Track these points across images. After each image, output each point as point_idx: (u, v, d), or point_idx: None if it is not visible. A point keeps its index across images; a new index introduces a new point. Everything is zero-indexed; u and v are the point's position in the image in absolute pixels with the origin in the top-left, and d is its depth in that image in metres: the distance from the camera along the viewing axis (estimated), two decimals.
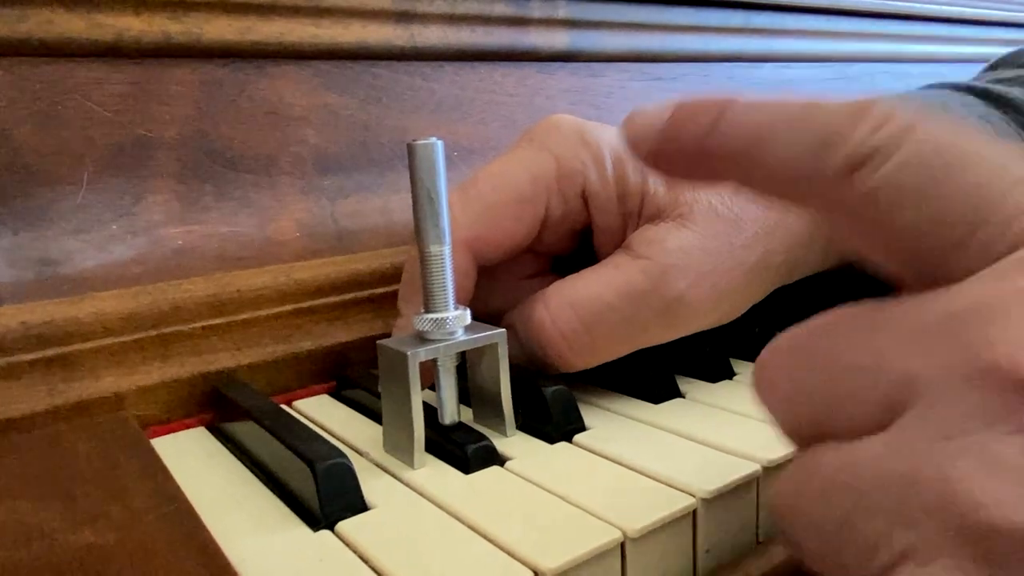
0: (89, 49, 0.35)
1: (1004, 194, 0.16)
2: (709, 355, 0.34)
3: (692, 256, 0.29)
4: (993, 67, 0.47)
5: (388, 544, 0.22)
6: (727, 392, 0.33)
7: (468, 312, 0.28)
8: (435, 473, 0.26)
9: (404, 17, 0.44)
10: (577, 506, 0.23)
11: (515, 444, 0.28)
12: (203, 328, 0.34)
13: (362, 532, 0.23)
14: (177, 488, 0.24)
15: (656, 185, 0.31)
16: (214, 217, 0.37)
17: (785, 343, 0.19)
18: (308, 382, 0.36)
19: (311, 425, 0.31)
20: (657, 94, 0.58)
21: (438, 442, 0.28)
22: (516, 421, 0.29)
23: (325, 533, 0.23)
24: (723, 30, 0.62)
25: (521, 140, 0.34)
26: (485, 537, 0.22)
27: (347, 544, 0.22)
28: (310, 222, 0.40)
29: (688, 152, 0.20)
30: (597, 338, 0.30)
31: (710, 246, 0.30)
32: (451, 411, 0.28)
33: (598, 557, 0.21)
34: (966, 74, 0.49)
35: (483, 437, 0.27)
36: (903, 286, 0.18)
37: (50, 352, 0.31)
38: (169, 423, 0.33)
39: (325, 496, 0.23)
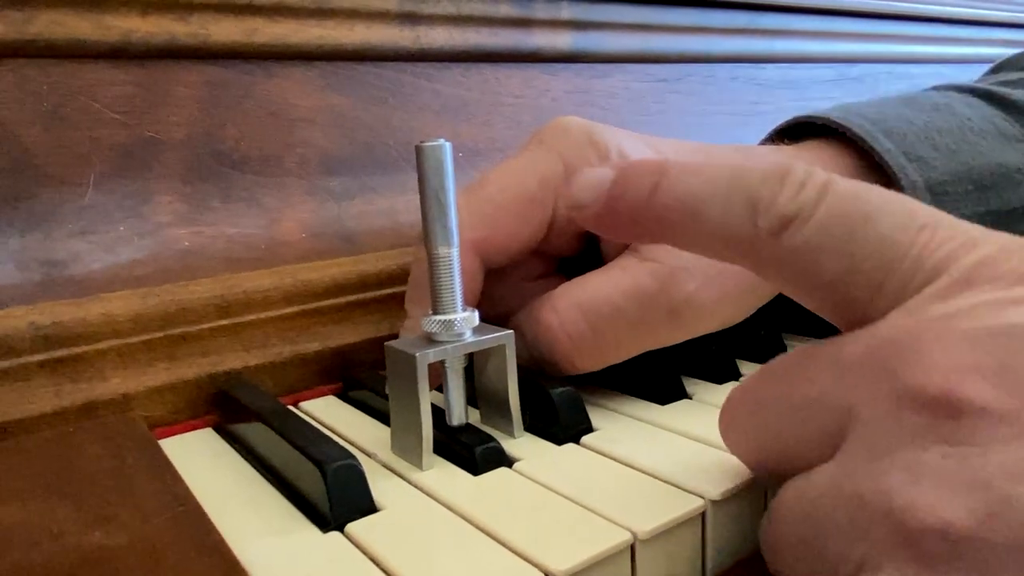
0: (96, 50, 0.35)
1: (911, 241, 0.18)
2: (715, 356, 0.34)
3: (700, 260, 0.29)
4: (996, 70, 0.48)
5: (399, 546, 0.22)
6: None
7: (476, 313, 0.28)
8: (443, 475, 0.26)
9: (409, 18, 0.44)
10: (586, 507, 0.23)
11: (523, 445, 0.28)
12: (210, 329, 0.34)
13: (372, 534, 0.23)
14: (186, 489, 0.24)
15: None
16: (220, 218, 0.38)
17: (742, 389, 0.22)
18: (314, 383, 0.36)
19: (318, 426, 0.31)
20: (661, 95, 0.58)
21: (446, 443, 0.28)
22: (523, 422, 0.29)
23: (335, 534, 0.23)
24: (727, 31, 0.62)
25: (530, 142, 0.34)
26: (495, 539, 0.22)
27: (357, 546, 0.22)
28: (316, 223, 0.40)
29: (629, 219, 0.22)
30: (604, 340, 0.30)
31: None
32: (459, 412, 0.28)
33: (608, 559, 0.21)
34: (969, 75, 0.49)
35: (491, 438, 0.27)
36: (839, 326, 0.20)
37: (58, 353, 0.31)
38: (177, 424, 0.33)
39: (335, 497, 0.23)
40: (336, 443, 0.25)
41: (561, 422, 0.29)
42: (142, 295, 0.33)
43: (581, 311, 0.30)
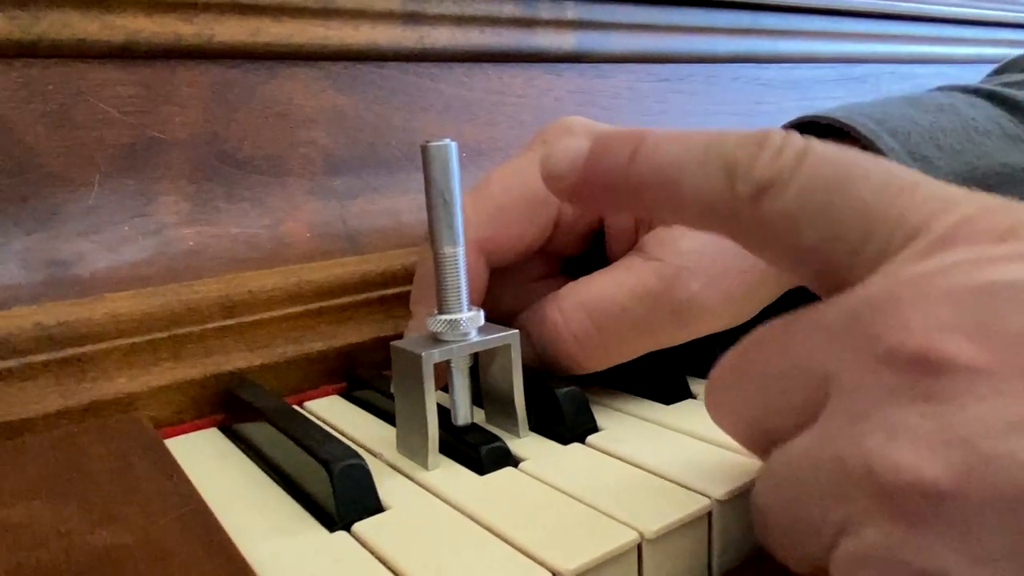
0: (101, 50, 0.35)
1: (890, 204, 0.18)
2: (720, 356, 0.34)
3: (705, 258, 0.29)
4: (1000, 71, 0.47)
5: (405, 545, 0.22)
6: None
7: (481, 313, 0.28)
8: (449, 474, 0.26)
9: (413, 18, 0.44)
10: (592, 507, 0.23)
11: (528, 445, 0.28)
12: (215, 329, 0.34)
13: (379, 533, 0.23)
14: (192, 489, 0.24)
15: None
16: (225, 218, 0.38)
17: (725, 362, 0.21)
18: (319, 383, 0.36)
19: (323, 426, 0.31)
20: (665, 95, 0.58)
21: (451, 443, 0.28)
22: (528, 422, 0.29)
23: (341, 534, 0.23)
24: (730, 31, 0.62)
25: (533, 141, 0.34)
26: (502, 538, 0.22)
27: (364, 545, 0.22)
28: (320, 223, 0.40)
29: (606, 188, 0.21)
30: (609, 340, 0.30)
31: (723, 248, 0.30)
32: (464, 412, 0.28)
33: (616, 558, 0.21)
34: (972, 75, 0.49)
35: (496, 438, 0.27)
36: (819, 294, 0.20)
37: (63, 353, 0.31)
38: (181, 424, 0.33)
39: (341, 497, 0.23)
40: (342, 442, 0.25)
41: (566, 422, 0.29)
42: (147, 295, 0.33)
43: (586, 311, 0.30)
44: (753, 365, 0.21)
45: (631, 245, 0.32)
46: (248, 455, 0.29)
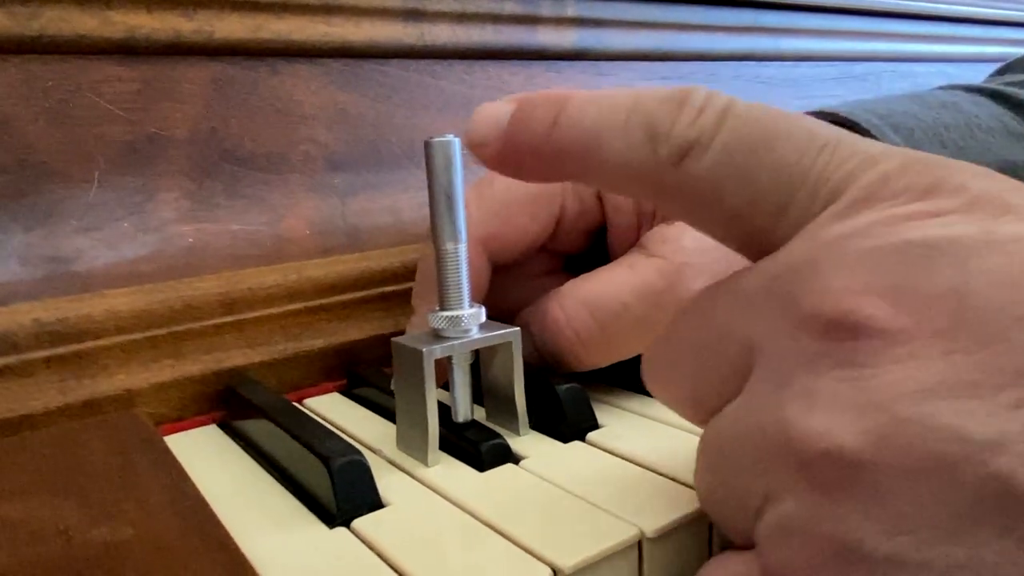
0: (101, 47, 0.35)
1: (811, 163, 0.18)
2: None
3: (707, 255, 0.29)
4: (1002, 71, 0.47)
5: (405, 541, 0.22)
6: None
7: (483, 310, 0.28)
8: (449, 471, 0.26)
9: (414, 15, 0.44)
10: (593, 504, 0.23)
11: (528, 442, 0.28)
12: (215, 326, 0.34)
13: (378, 529, 0.23)
14: (192, 485, 0.24)
15: None
16: (225, 215, 0.37)
17: (659, 334, 0.21)
18: (319, 380, 0.36)
19: (323, 423, 0.31)
20: None
21: (452, 440, 0.28)
22: (529, 419, 0.29)
23: (341, 530, 0.23)
24: (731, 29, 0.62)
25: None
26: (501, 535, 0.22)
27: (363, 541, 0.22)
28: (321, 220, 0.40)
29: (531, 154, 0.20)
30: (611, 337, 0.29)
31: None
32: (465, 409, 0.28)
33: (616, 555, 0.21)
34: (973, 74, 0.49)
35: (497, 435, 0.27)
36: (749, 259, 0.20)
37: (62, 349, 0.31)
38: (181, 421, 0.33)
39: (341, 493, 0.23)
40: (342, 439, 0.25)
41: (567, 419, 0.29)
42: (146, 291, 0.33)
43: (588, 308, 0.30)
44: (683, 336, 0.20)
45: (633, 242, 0.32)
46: (248, 452, 0.29)
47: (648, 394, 0.32)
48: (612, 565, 0.21)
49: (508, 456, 0.27)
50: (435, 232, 0.27)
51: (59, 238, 0.34)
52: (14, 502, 0.23)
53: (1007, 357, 0.14)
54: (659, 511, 0.22)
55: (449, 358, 0.28)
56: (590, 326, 0.29)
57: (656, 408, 0.31)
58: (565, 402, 0.29)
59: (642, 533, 0.22)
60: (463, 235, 0.27)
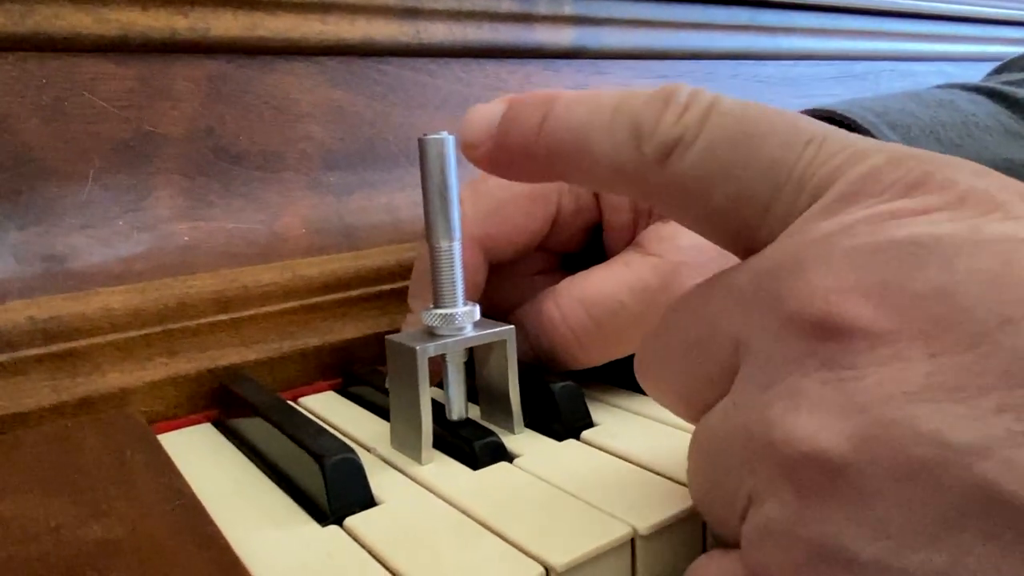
0: (95, 44, 0.35)
1: (796, 158, 0.17)
2: None
3: (704, 254, 0.29)
4: (1000, 70, 0.47)
5: (397, 539, 0.22)
6: None
7: (477, 308, 0.28)
8: (443, 469, 0.26)
9: (410, 13, 0.44)
10: (586, 502, 0.23)
11: (523, 440, 0.28)
12: (209, 324, 0.34)
13: (371, 527, 0.22)
14: (185, 483, 0.24)
15: None
16: (220, 213, 0.37)
17: (651, 331, 0.21)
18: (314, 378, 0.36)
19: (317, 421, 0.31)
20: None
21: (446, 438, 0.28)
22: (524, 418, 0.29)
23: (333, 528, 0.23)
24: (729, 27, 0.62)
25: None
26: (494, 533, 0.22)
27: (355, 539, 0.22)
28: (316, 218, 0.40)
29: (522, 154, 0.21)
30: (607, 335, 0.29)
31: None
32: (459, 407, 0.28)
33: (608, 553, 0.21)
34: (971, 73, 0.49)
35: (491, 433, 0.27)
36: (736, 255, 0.20)
37: (56, 347, 0.31)
38: (175, 419, 0.32)
39: (333, 491, 0.23)
40: (335, 437, 0.25)
41: (562, 417, 0.29)
42: (141, 289, 0.33)
43: (584, 306, 0.29)
44: (673, 333, 0.20)
45: (629, 240, 0.32)
46: (242, 450, 0.29)
47: (644, 392, 0.32)
48: (605, 563, 0.21)
49: (502, 454, 0.27)
50: (429, 230, 0.27)
51: (54, 236, 0.34)
52: (6, 500, 0.23)
53: (993, 360, 0.13)
54: (653, 509, 0.22)
55: (443, 356, 0.28)
56: (586, 324, 0.29)
57: (651, 406, 0.31)
58: (560, 400, 0.29)
59: (635, 531, 0.22)
60: (457, 233, 0.27)
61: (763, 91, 0.65)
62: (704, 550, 0.24)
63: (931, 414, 0.13)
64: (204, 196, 0.37)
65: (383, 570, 0.20)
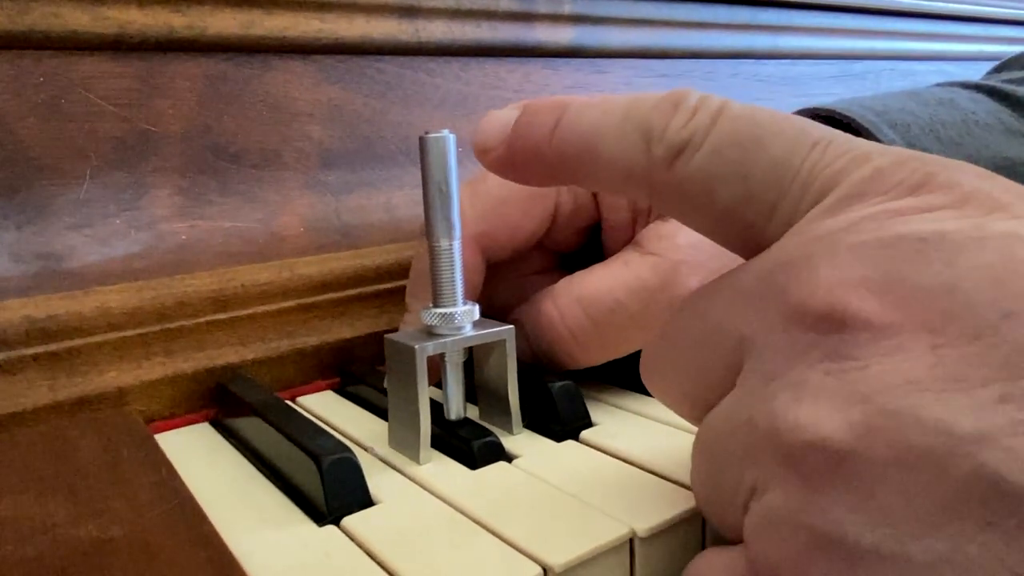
0: (93, 42, 0.35)
1: (801, 160, 0.18)
2: None
3: (702, 252, 0.29)
4: (999, 68, 0.47)
5: (394, 539, 0.22)
6: None
7: (477, 307, 0.27)
8: (441, 469, 0.26)
9: (409, 12, 0.44)
10: (585, 502, 0.23)
11: (522, 441, 0.28)
12: (207, 323, 0.34)
13: (368, 527, 0.22)
14: (181, 483, 0.24)
15: None
16: (218, 212, 0.37)
17: (656, 332, 0.21)
18: (312, 378, 0.36)
19: (315, 421, 0.31)
20: (663, 90, 0.58)
21: (444, 438, 0.27)
22: (522, 417, 0.29)
23: (331, 528, 0.23)
24: (729, 26, 0.62)
25: None
26: (492, 533, 0.22)
27: (353, 539, 0.22)
28: (314, 217, 0.40)
29: (534, 158, 0.21)
30: (606, 334, 0.29)
31: None
32: (457, 407, 0.28)
33: (606, 554, 0.21)
34: (971, 72, 0.49)
35: (489, 433, 0.27)
36: (741, 255, 0.20)
37: (53, 347, 0.30)
38: (173, 418, 0.32)
39: (331, 491, 0.23)
40: (332, 436, 0.25)
41: (560, 417, 0.29)
42: (138, 288, 0.33)
43: (582, 305, 0.29)
44: (678, 333, 0.20)
45: (628, 239, 0.31)
46: (239, 450, 0.29)
47: (643, 392, 0.32)
48: (603, 564, 0.21)
49: (500, 454, 0.27)
50: (429, 229, 0.27)
51: (51, 235, 0.33)
52: (2, 500, 0.23)
53: (995, 351, 0.14)
54: (652, 510, 0.22)
55: (442, 355, 0.27)
56: (584, 323, 0.29)
57: (651, 406, 0.31)
58: (558, 400, 0.29)
59: (634, 532, 0.21)
60: (457, 232, 0.27)
61: (763, 90, 0.65)
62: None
63: (934, 404, 0.14)
64: (202, 195, 0.37)
65: (381, 570, 0.20)
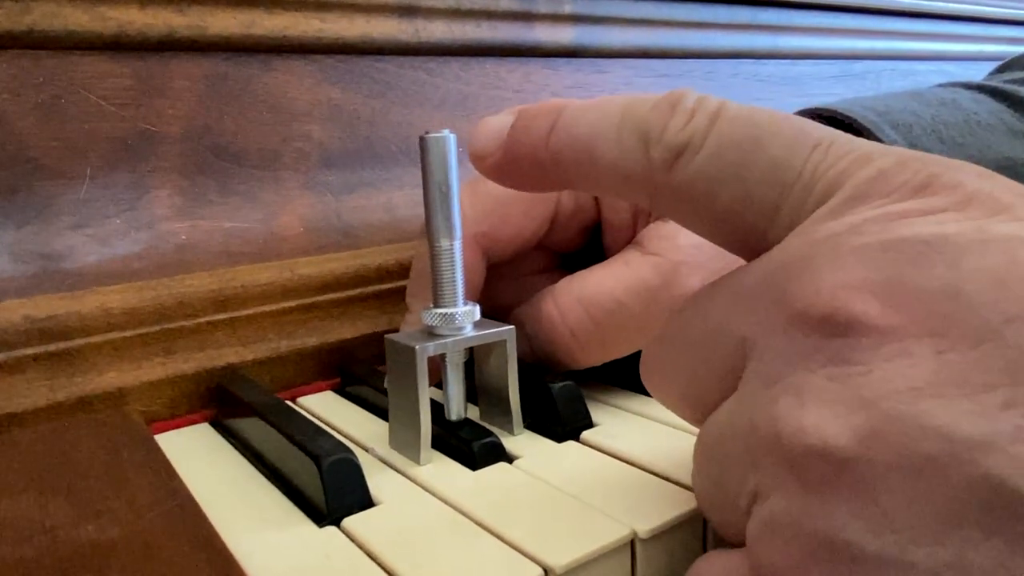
0: (93, 42, 0.35)
1: (803, 161, 0.18)
2: None
3: (703, 252, 0.29)
4: (1002, 69, 0.47)
5: (395, 540, 0.21)
6: None
7: (477, 308, 0.27)
8: (442, 469, 0.26)
9: (409, 12, 0.44)
10: (586, 503, 0.23)
11: (522, 441, 0.28)
12: (207, 323, 0.34)
13: (368, 528, 0.22)
14: (181, 484, 0.24)
15: None
16: (218, 212, 0.37)
17: (656, 333, 0.21)
18: (312, 378, 0.36)
19: (315, 421, 0.31)
20: (663, 90, 0.58)
21: (445, 438, 0.27)
22: (523, 418, 0.29)
23: (331, 529, 0.23)
24: (729, 26, 0.62)
25: None
26: (493, 534, 0.22)
27: (353, 540, 0.22)
28: (314, 217, 0.40)
29: (531, 163, 0.21)
30: (607, 334, 0.29)
31: None
32: (458, 407, 0.28)
33: (608, 555, 0.21)
34: (972, 72, 0.49)
35: (490, 433, 0.27)
36: (743, 257, 0.20)
37: (53, 347, 0.30)
38: (173, 419, 0.32)
39: (331, 492, 0.23)
40: (333, 437, 0.25)
41: (561, 417, 0.28)
42: (138, 289, 0.33)
43: (583, 305, 0.29)
44: (679, 335, 0.20)
45: (629, 239, 0.31)
46: (239, 450, 0.29)
47: (643, 392, 0.32)
48: (604, 565, 0.21)
49: (501, 455, 0.27)
50: (430, 229, 0.27)
51: (50, 235, 0.33)
52: (1, 500, 0.23)
53: (999, 356, 0.13)
54: (653, 511, 0.22)
55: (442, 356, 0.27)
56: (585, 323, 0.29)
57: (651, 407, 0.31)
58: (559, 401, 0.29)
59: (635, 533, 0.21)
60: (458, 232, 0.27)
61: (763, 90, 0.65)
62: (704, 552, 0.23)
63: (937, 409, 0.13)
64: (202, 195, 0.37)
65: (381, 571, 0.20)
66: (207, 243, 0.36)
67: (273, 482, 0.26)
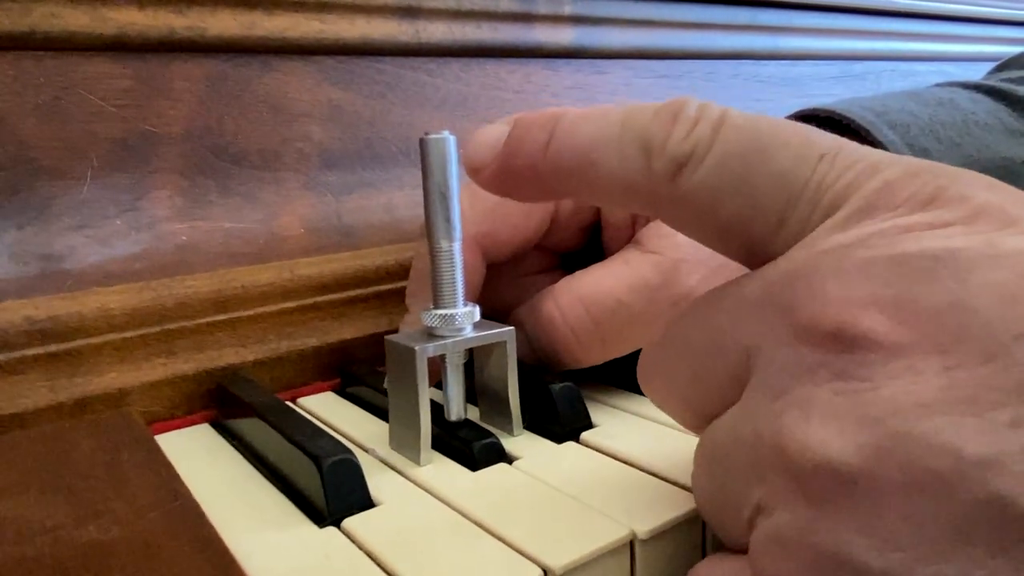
0: (93, 43, 0.35)
1: (810, 172, 0.17)
2: None
3: (703, 250, 0.29)
4: (1000, 68, 0.47)
5: (395, 541, 0.22)
6: None
7: (477, 309, 0.27)
8: (441, 470, 0.26)
9: (409, 12, 0.44)
10: (585, 504, 0.23)
11: (522, 442, 0.28)
12: (207, 324, 0.34)
13: (368, 529, 0.22)
14: (181, 484, 0.24)
15: None
16: (218, 212, 0.37)
17: (655, 337, 0.21)
18: (312, 379, 0.36)
19: (315, 422, 0.31)
20: (662, 91, 0.58)
21: (444, 439, 0.27)
22: (523, 419, 0.29)
23: (331, 530, 0.23)
24: (729, 27, 0.62)
25: None
26: (492, 534, 0.22)
27: (353, 541, 0.22)
28: (314, 218, 0.40)
29: (528, 174, 0.20)
30: (607, 333, 0.29)
31: None
32: (458, 408, 0.28)
33: (607, 556, 0.21)
34: (972, 72, 0.49)
35: (490, 434, 0.27)
36: (747, 267, 0.19)
37: (53, 348, 0.30)
38: (173, 419, 0.32)
39: (331, 492, 0.23)
40: (333, 438, 0.25)
41: (560, 418, 0.29)
42: (139, 289, 0.33)
43: (583, 304, 0.29)
44: (680, 340, 0.20)
45: (628, 238, 0.31)
46: (239, 451, 0.29)
47: (643, 393, 0.32)
48: (603, 566, 0.21)
49: (501, 456, 0.27)
50: (430, 230, 0.27)
51: (51, 235, 0.33)
52: (2, 501, 0.23)
53: (1007, 374, 0.13)
54: (652, 512, 0.22)
55: (442, 357, 0.27)
56: (585, 323, 0.29)
57: (651, 408, 0.31)
58: (559, 402, 0.29)
59: (634, 534, 0.21)
60: (458, 233, 0.27)
61: (763, 91, 0.65)
62: (704, 554, 0.23)
63: (945, 427, 0.13)
64: (202, 195, 0.37)
65: (381, 572, 0.20)
66: (207, 244, 0.36)
67: (273, 483, 0.26)
